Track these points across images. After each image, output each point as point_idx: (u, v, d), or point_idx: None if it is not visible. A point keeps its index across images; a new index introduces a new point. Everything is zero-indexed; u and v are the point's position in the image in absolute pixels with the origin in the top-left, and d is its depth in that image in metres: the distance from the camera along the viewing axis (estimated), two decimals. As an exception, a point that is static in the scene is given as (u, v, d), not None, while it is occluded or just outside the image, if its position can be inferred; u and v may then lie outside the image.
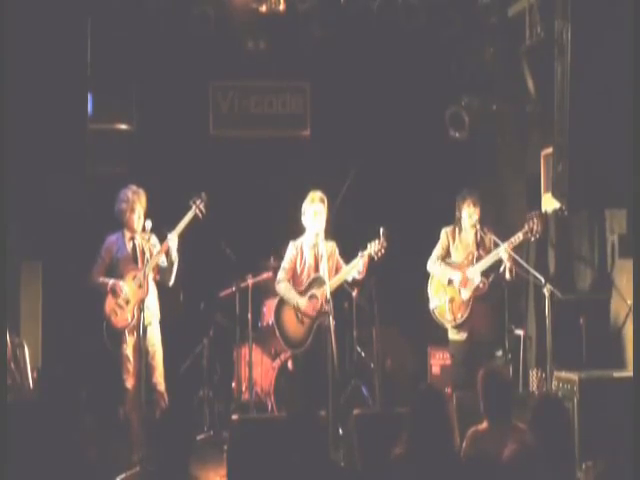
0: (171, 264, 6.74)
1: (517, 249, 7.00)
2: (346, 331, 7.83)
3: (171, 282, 6.87)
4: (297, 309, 6.79)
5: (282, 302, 6.94)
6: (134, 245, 6.77)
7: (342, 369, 6.85)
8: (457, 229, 7.23)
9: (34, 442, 5.22)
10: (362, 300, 7.83)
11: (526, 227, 6.86)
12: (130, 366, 6.63)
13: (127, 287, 6.64)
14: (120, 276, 6.71)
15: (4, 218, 5.62)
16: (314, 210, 6.81)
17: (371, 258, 6.71)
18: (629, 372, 6.20)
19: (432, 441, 4.19)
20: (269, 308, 7.78)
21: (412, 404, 4.42)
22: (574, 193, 5.95)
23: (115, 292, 6.64)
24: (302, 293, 6.82)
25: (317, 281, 6.79)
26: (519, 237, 6.87)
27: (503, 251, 6.85)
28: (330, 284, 6.64)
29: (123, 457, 6.55)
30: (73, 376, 7.30)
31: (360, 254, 6.70)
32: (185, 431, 4.18)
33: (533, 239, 6.98)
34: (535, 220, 6.86)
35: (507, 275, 6.95)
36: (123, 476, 6.22)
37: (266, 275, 7.91)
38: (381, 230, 6.62)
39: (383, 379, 7.65)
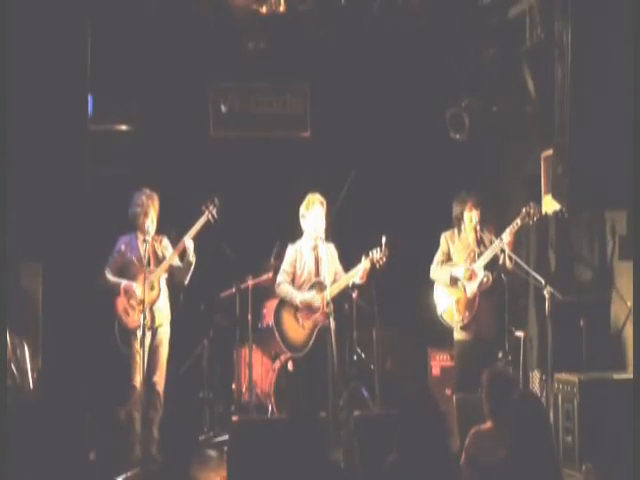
0: (189, 264, 6.84)
1: (517, 250, 7.01)
2: (346, 332, 7.82)
3: (186, 281, 6.96)
4: (303, 303, 6.78)
5: (281, 305, 6.93)
6: (146, 247, 6.81)
7: (342, 370, 6.87)
8: (456, 232, 7.26)
9: (34, 442, 5.23)
10: (362, 301, 7.82)
11: (524, 211, 6.91)
12: (139, 365, 6.64)
13: (139, 289, 6.68)
14: (132, 277, 6.79)
15: (4, 218, 5.62)
16: (313, 213, 6.81)
17: (373, 265, 6.71)
18: (629, 374, 6.20)
19: (424, 443, 4.16)
20: (269, 309, 7.77)
21: (402, 407, 4.37)
22: (574, 195, 5.95)
23: (128, 293, 6.72)
24: (303, 297, 6.84)
25: (318, 285, 6.79)
26: (517, 223, 6.91)
27: (504, 237, 6.87)
28: (331, 290, 6.65)
29: (124, 457, 6.54)
30: (73, 376, 7.29)
31: (363, 260, 6.70)
32: (186, 432, 4.19)
33: (531, 222, 7.00)
34: (532, 204, 6.94)
35: (507, 263, 6.95)
36: (124, 476, 6.21)
37: (266, 276, 7.91)
38: (383, 239, 6.63)
39: (383, 380, 7.65)
